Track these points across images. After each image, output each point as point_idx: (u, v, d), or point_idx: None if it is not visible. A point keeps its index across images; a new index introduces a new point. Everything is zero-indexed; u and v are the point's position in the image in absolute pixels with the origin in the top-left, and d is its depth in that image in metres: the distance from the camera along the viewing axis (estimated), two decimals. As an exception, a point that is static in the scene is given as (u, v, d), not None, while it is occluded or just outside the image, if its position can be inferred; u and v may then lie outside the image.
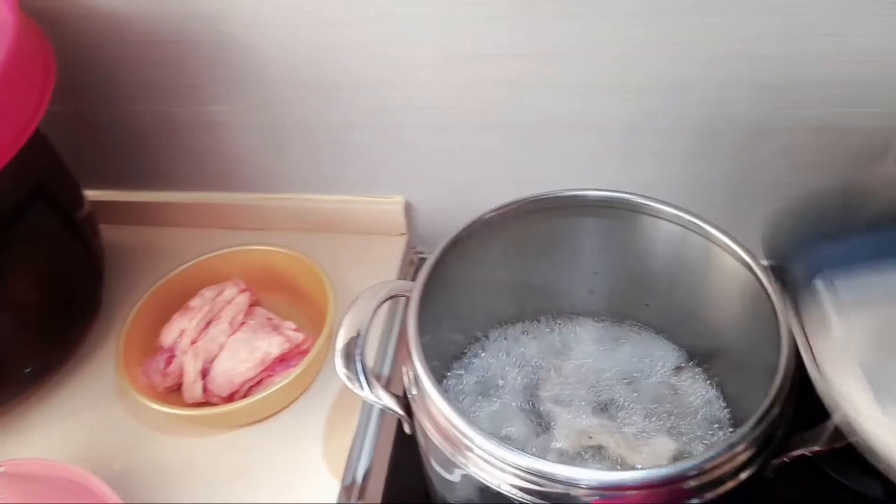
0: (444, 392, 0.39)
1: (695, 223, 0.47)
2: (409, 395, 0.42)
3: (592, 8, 0.52)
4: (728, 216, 0.64)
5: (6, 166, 0.47)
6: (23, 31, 0.50)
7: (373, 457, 0.57)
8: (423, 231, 0.73)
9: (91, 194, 0.66)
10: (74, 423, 0.58)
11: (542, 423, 0.50)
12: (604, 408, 0.51)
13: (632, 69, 0.56)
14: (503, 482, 0.37)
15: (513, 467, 0.36)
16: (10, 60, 0.48)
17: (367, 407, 0.58)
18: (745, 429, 0.35)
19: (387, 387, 0.61)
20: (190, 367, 0.57)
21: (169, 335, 0.59)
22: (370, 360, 0.60)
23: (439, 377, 0.54)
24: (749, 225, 0.64)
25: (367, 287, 0.48)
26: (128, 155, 0.70)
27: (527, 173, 0.64)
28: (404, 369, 0.43)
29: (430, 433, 0.40)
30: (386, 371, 0.64)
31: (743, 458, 0.35)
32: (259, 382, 0.58)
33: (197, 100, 0.64)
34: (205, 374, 0.57)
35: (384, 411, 0.59)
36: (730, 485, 0.35)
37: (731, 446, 0.35)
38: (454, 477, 0.41)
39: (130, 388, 0.55)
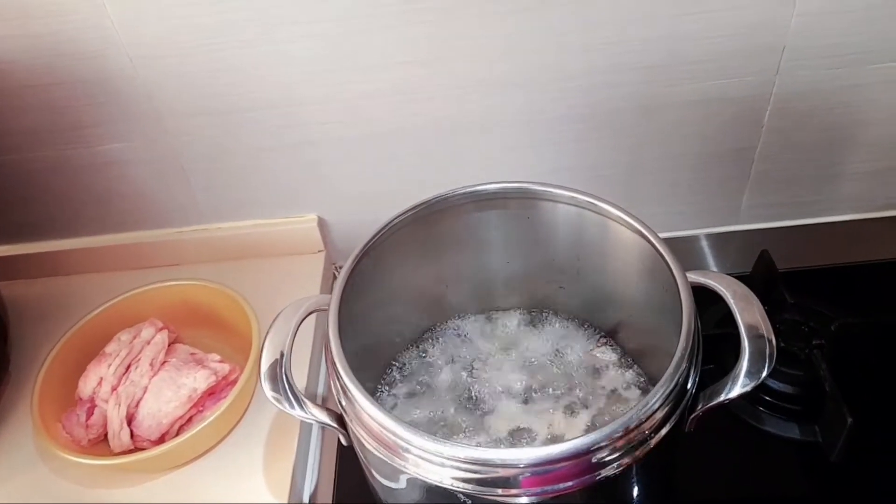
0: (374, 398, 0.39)
1: (590, 202, 0.48)
2: (340, 407, 0.42)
3: (473, 8, 0.54)
4: (628, 193, 0.67)
5: None
6: None
7: (318, 477, 0.57)
8: (342, 245, 0.72)
9: (-14, 251, 0.63)
10: (-3, 492, 0.55)
11: (475, 416, 0.51)
12: (530, 392, 0.52)
13: (519, 64, 0.57)
14: (445, 477, 0.37)
15: (451, 460, 0.36)
16: None
17: (305, 427, 0.57)
18: (658, 387, 0.37)
19: (325, 403, 0.61)
20: (114, 414, 0.55)
21: (87, 385, 0.57)
22: (303, 379, 0.60)
23: (371, 385, 0.54)
24: (647, 199, 0.68)
25: (284, 307, 0.48)
26: (24, 206, 0.67)
27: (434, 176, 0.65)
28: (332, 382, 0.42)
29: (365, 441, 0.39)
30: (321, 388, 0.63)
31: (661, 414, 0.36)
32: (189, 420, 0.56)
33: (89, 140, 0.62)
34: (130, 419, 0.55)
35: (323, 429, 0.59)
36: (653, 442, 0.36)
37: (648, 404, 0.36)
38: (398, 483, 0.41)
39: (51, 447, 0.52)
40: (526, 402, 0.51)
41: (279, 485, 0.53)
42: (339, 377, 0.40)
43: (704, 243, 0.71)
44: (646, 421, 0.35)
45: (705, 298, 0.43)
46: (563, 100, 0.60)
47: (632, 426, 0.35)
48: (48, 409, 0.55)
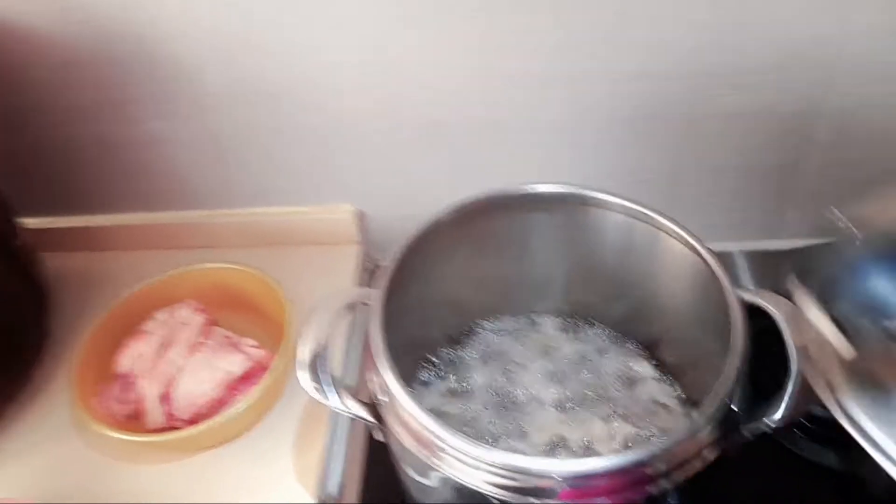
0: (414, 395, 0.39)
1: (641, 212, 0.48)
2: (377, 402, 0.42)
3: (520, 4, 0.53)
4: (666, 200, 0.66)
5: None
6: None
7: (346, 468, 0.57)
8: (378, 238, 0.72)
9: (31, 222, 0.64)
10: (32, 459, 0.56)
11: (510, 419, 0.51)
12: (567, 400, 0.52)
13: (566, 64, 0.57)
14: (479, 480, 0.37)
15: (487, 465, 0.36)
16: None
17: (335, 417, 0.58)
18: (706, 409, 0.36)
19: (355, 394, 0.61)
20: (149, 392, 0.56)
21: (124, 361, 0.58)
22: (336, 368, 0.60)
23: (407, 380, 0.54)
24: (685, 208, 0.67)
25: (323, 296, 0.48)
26: (66, 180, 0.68)
27: (474, 174, 0.65)
28: (371, 376, 0.42)
29: (402, 438, 0.40)
30: (351, 379, 0.63)
31: (706, 438, 0.36)
32: (223, 402, 0.57)
33: (131, 118, 0.62)
34: (166, 398, 0.56)
35: (354, 420, 0.59)
36: (696, 465, 0.36)
37: (694, 427, 0.36)
38: (430, 481, 0.41)
39: (88, 419, 0.53)
40: (562, 409, 0.51)
41: (307, 472, 0.53)
42: (379, 372, 0.40)
43: (741, 258, 0.71)
44: (690, 442, 0.35)
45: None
46: (607, 103, 0.60)
47: (676, 447, 0.35)
48: (86, 383, 0.56)
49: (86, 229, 0.71)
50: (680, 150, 0.63)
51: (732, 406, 0.38)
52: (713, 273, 0.43)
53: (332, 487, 0.55)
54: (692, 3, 0.53)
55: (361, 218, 0.70)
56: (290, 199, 0.69)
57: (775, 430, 0.39)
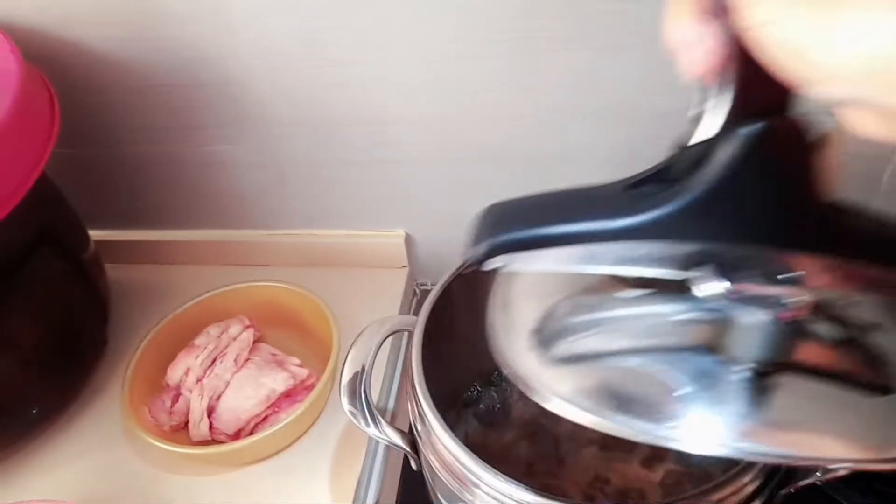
0: (450, 428, 0.39)
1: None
2: (414, 431, 0.42)
3: (579, 41, 0.53)
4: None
5: (12, 211, 0.48)
6: (27, 79, 0.52)
7: (380, 491, 0.57)
8: (425, 263, 0.73)
9: (96, 234, 0.67)
10: (81, 463, 0.58)
11: (549, 455, 0.50)
12: (607, 439, 0.51)
13: (622, 99, 0.56)
14: (511, 517, 0.36)
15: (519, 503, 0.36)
16: (16, 107, 0.49)
17: (373, 441, 0.58)
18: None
19: (393, 420, 0.61)
20: (196, 405, 0.57)
21: (175, 373, 0.59)
22: (375, 393, 0.60)
23: (447, 410, 0.54)
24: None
25: (370, 322, 0.48)
26: (133, 195, 0.71)
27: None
28: (409, 405, 0.43)
29: (436, 469, 0.40)
30: (391, 404, 0.64)
31: (751, 488, 0.35)
32: (265, 419, 0.58)
33: (200, 140, 0.65)
34: (211, 411, 0.58)
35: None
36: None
37: (740, 476, 0.34)
38: (463, 512, 0.41)
39: (136, 428, 0.55)
40: (602, 448, 0.50)
41: (343, 494, 0.54)
42: (417, 403, 0.40)
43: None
44: (735, 493, 0.34)
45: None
46: (665, 139, 0.59)
47: (718, 499, 0.34)
48: (138, 392, 0.58)
49: (148, 243, 0.74)
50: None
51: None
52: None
53: (368, 507, 0.55)
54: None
55: (410, 243, 0.71)
56: (344, 223, 0.71)
57: (823, 481, 0.37)
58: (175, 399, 0.59)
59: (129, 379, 0.58)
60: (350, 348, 0.46)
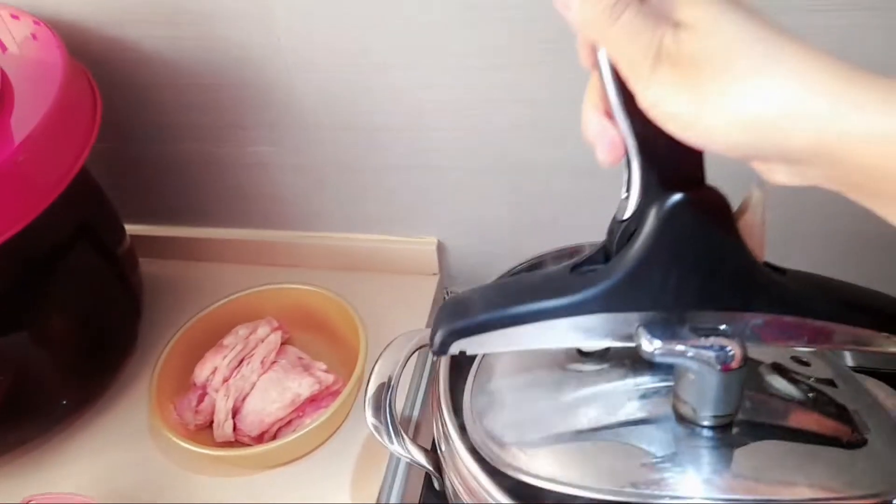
0: (475, 450, 0.38)
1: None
2: (438, 451, 0.41)
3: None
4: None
5: (52, 204, 0.48)
6: (71, 73, 0.52)
7: (402, 501, 0.56)
8: (456, 271, 0.72)
9: (132, 228, 0.68)
10: (107, 458, 0.58)
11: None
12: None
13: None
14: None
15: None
16: (59, 102, 0.50)
17: (396, 452, 0.58)
18: None
19: (416, 431, 0.60)
20: (221, 405, 0.57)
21: (202, 372, 0.59)
22: (399, 402, 0.60)
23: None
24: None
25: (399, 332, 0.48)
26: (171, 192, 0.72)
27: (558, 216, 0.64)
28: (434, 422, 0.42)
29: (459, 492, 0.39)
30: (416, 413, 0.63)
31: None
32: (289, 423, 0.58)
33: (241, 141, 0.65)
34: (235, 412, 0.58)
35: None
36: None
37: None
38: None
39: (161, 426, 0.55)
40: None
41: (365, 501, 0.53)
42: (443, 424, 0.39)
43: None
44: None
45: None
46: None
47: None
48: (165, 390, 0.58)
49: (183, 239, 0.74)
50: (787, 215, 0.59)
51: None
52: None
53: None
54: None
55: (442, 250, 0.70)
56: (377, 227, 0.70)
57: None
58: (201, 398, 0.59)
59: (156, 376, 0.58)
60: (376, 361, 0.45)
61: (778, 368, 0.35)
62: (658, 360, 0.29)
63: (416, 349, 0.46)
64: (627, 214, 0.29)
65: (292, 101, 0.61)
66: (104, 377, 0.62)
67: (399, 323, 0.66)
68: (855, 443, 0.33)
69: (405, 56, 0.55)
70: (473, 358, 0.43)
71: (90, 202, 0.61)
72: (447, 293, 0.73)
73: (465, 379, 0.42)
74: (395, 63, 0.56)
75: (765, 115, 0.23)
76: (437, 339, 0.33)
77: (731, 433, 0.31)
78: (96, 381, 0.62)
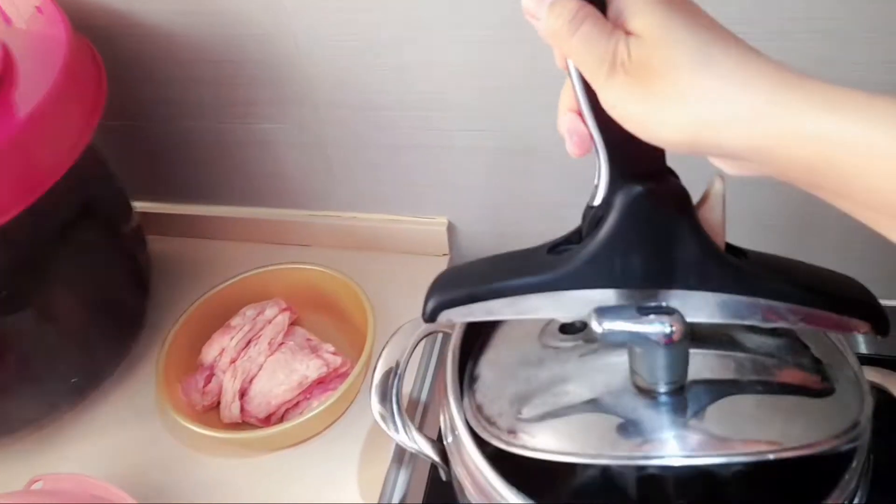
0: (482, 443, 0.38)
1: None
2: (444, 441, 0.41)
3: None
4: (790, 248, 0.61)
5: (58, 181, 0.48)
6: (74, 48, 0.51)
7: (409, 483, 0.56)
8: (466, 252, 0.71)
9: (140, 205, 0.67)
10: (115, 437, 0.58)
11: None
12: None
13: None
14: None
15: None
16: (63, 76, 0.49)
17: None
18: None
19: (424, 419, 0.60)
20: (228, 386, 0.57)
21: (209, 353, 0.59)
22: (408, 388, 0.59)
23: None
24: (808, 258, 0.62)
25: (408, 316, 0.47)
26: (178, 169, 0.71)
27: (570, 199, 0.62)
28: (441, 412, 0.41)
29: (465, 485, 0.38)
30: (424, 396, 0.62)
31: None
32: (296, 405, 0.58)
33: (249, 118, 0.64)
34: (243, 393, 0.57)
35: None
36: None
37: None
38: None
39: (168, 407, 0.55)
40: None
41: (371, 486, 0.53)
42: (450, 413, 0.39)
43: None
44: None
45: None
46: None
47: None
48: (172, 370, 0.58)
49: (190, 217, 0.74)
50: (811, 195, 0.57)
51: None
52: (838, 348, 0.38)
53: (394, 500, 0.54)
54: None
55: (452, 231, 0.69)
56: (388, 207, 0.69)
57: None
58: (208, 379, 0.58)
59: (163, 357, 0.58)
60: (384, 347, 0.45)
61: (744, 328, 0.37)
62: (608, 339, 0.32)
63: (425, 336, 0.45)
64: (597, 202, 0.32)
65: (300, 77, 0.59)
66: (112, 356, 0.62)
67: (409, 304, 0.64)
68: (821, 391, 0.36)
69: (416, 33, 0.54)
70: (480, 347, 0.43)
71: (97, 179, 0.60)
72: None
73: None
74: (406, 39, 0.55)
75: (700, 118, 0.25)
76: (428, 308, 0.37)
77: (686, 396, 0.35)
78: (104, 360, 0.61)
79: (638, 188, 0.31)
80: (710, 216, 0.32)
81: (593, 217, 0.32)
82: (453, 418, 0.38)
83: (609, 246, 0.32)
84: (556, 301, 0.33)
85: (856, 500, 0.35)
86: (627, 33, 0.27)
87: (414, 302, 0.67)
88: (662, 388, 0.34)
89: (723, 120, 0.25)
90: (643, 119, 0.26)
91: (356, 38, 0.55)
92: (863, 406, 0.34)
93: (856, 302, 0.34)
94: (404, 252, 0.70)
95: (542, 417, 0.36)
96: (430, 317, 0.36)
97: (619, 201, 0.31)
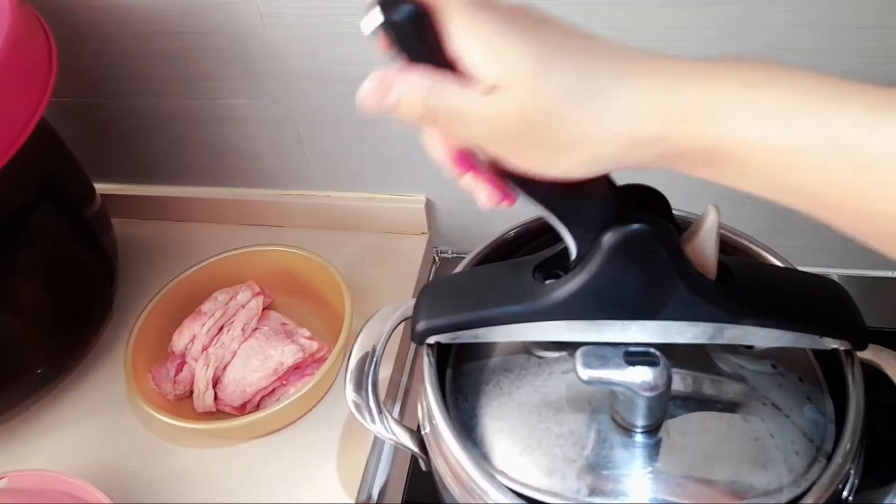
0: (462, 432, 0.36)
1: (739, 241, 0.42)
2: (423, 432, 0.39)
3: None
4: (768, 221, 0.60)
5: (11, 161, 0.45)
6: (20, 18, 0.48)
7: (390, 471, 0.55)
8: (446, 230, 0.70)
9: (105, 188, 0.65)
10: (83, 429, 0.56)
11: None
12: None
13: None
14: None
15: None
16: (8, 48, 0.46)
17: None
18: (813, 493, 0.32)
19: (404, 403, 0.58)
20: (201, 375, 0.55)
21: (180, 341, 0.57)
22: (387, 371, 0.57)
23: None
24: (787, 230, 0.61)
25: (384, 301, 0.45)
26: (142, 148, 0.68)
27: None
28: (419, 402, 0.40)
29: (444, 476, 0.37)
30: (404, 378, 0.61)
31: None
32: (272, 392, 0.56)
33: (214, 93, 0.61)
34: (216, 382, 0.55)
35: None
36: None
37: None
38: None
39: (139, 398, 0.53)
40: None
41: (351, 474, 0.52)
42: (428, 405, 0.37)
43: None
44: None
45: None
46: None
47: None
48: (141, 359, 0.56)
49: (157, 198, 0.71)
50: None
51: (844, 493, 0.34)
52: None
53: (374, 490, 0.53)
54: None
55: (431, 209, 0.67)
56: (363, 186, 0.67)
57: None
58: (180, 368, 0.56)
59: (132, 345, 0.55)
60: (358, 333, 0.43)
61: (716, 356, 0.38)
62: (592, 385, 0.32)
63: (401, 321, 0.43)
64: (573, 258, 0.33)
65: (266, 50, 0.57)
66: (78, 345, 0.60)
67: (387, 285, 0.63)
68: (791, 429, 0.36)
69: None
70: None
71: (54, 159, 0.57)
72: (437, 253, 0.71)
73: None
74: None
75: (596, 157, 0.26)
76: (416, 332, 0.37)
77: (660, 438, 0.35)
78: (70, 349, 0.59)
79: (624, 230, 0.31)
80: (702, 245, 0.33)
81: (580, 253, 0.33)
82: (431, 408, 0.36)
83: (594, 282, 0.33)
84: (541, 329, 0.35)
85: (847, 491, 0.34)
86: (492, 87, 0.26)
87: (392, 283, 0.66)
88: (639, 428, 0.35)
89: (618, 147, 0.25)
90: (551, 166, 0.27)
91: (324, 7, 0.53)
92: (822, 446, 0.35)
93: (838, 322, 0.35)
94: (382, 231, 0.68)
95: (516, 442, 0.36)
96: (419, 341, 0.37)
97: (603, 243, 0.31)
